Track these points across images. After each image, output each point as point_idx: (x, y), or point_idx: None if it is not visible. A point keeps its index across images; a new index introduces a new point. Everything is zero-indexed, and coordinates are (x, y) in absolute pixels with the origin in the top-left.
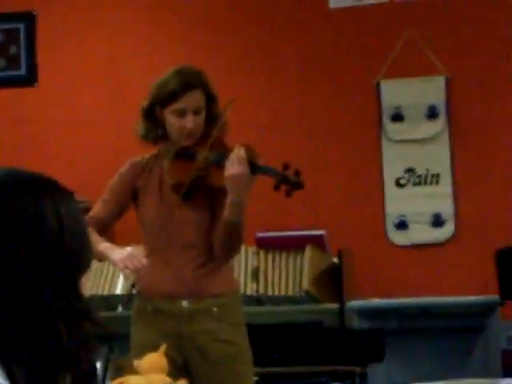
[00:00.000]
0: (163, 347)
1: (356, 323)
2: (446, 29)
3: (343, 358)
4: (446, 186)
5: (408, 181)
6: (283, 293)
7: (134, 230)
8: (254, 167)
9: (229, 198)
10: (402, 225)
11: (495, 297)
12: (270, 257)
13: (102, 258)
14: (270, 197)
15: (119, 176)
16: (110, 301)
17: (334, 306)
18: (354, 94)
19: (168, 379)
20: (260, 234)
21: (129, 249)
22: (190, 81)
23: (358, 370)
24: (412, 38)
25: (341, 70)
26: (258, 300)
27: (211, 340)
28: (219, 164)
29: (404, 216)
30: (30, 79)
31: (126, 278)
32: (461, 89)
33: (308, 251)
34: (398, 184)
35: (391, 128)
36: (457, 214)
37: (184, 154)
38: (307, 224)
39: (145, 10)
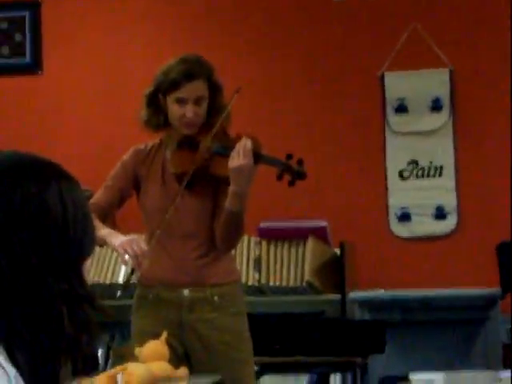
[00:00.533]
0: (164, 335)
1: (357, 314)
2: (450, 21)
3: (344, 349)
4: (449, 179)
5: (411, 173)
6: (285, 283)
7: (135, 217)
8: (257, 157)
9: (231, 189)
10: (404, 217)
11: (496, 290)
12: (272, 247)
13: (103, 243)
14: (273, 187)
15: (122, 163)
16: (111, 289)
17: (336, 296)
18: (358, 86)
19: (168, 367)
20: (262, 224)
21: (130, 235)
22: (192, 70)
23: (358, 360)
24: (416, 30)
25: (345, 62)
26: (259, 290)
27: (212, 329)
28: (223, 154)
29: (407, 208)
30: (34, 67)
31: (125, 263)
32: (465, 81)
33: (310, 242)
34: (401, 176)
35: (395, 120)
36: (459, 206)
37: (187, 143)
38: (310, 215)
39: None
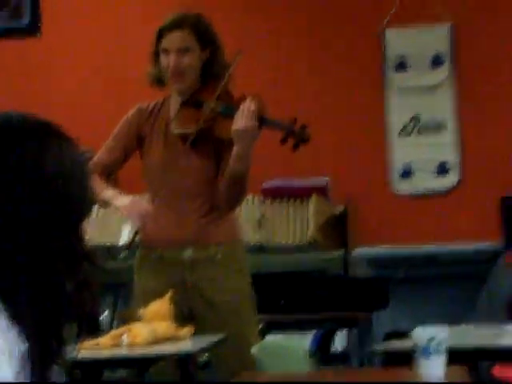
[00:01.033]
0: (168, 295)
1: (361, 271)
2: None
3: (348, 305)
4: (450, 135)
5: (413, 129)
6: (288, 241)
7: (138, 178)
8: (262, 120)
9: (235, 150)
10: (406, 173)
11: (500, 243)
12: (275, 206)
13: (107, 204)
14: (275, 146)
15: (125, 121)
16: (114, 250)
17: (339, 253)
18: (358, 43)
19: (172, 326)
20: (265, 184)
21: (134, 196)
22: (176, 20)
23: (362, 316)
24: None
25: (345, 20)
26: (263, 248)
27: (215, 287)
28: (227, 115)
29: (409, 164)
30: (33, 30)
31: (131, 223)
32: (465, 36)
33: (313, 200)
34: (403, 132)
35: (396, 77)
36: (462, 162)
37: (191, 103)
38: (312, 173)
39: None
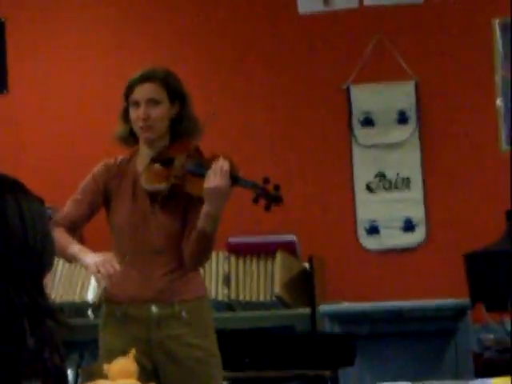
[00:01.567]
0: (132, 352)
1: (328, 327)
2: (415, 34)
3: (314, 363)
4: (416, 191)
5: (378, 185)
6: (255, 298)
7: (102, 235)
8: (234, 180)
9: (205, 209)
10: (373, 230)
11: (465, 300)
12: (241, 262)
13: (74, 259)
14: (241, 202)
15: (92, 177)
16: (81, 308)
17: (306, 310)
18: (323, 99)
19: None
20: (231, 240)
21: (102, 254)
22: (146, 73)
23: (328, 374)
24: (381, 42)
25: (310, 76)
26: (229, 305)
27: (180, 344)
28: (198, 173)
29: (375, 221)
30: None
31: (98, 282)
32: (430, 93)
33: (279, 256)
34: (369, 189)
35: (361, 133)
36: (428, 218)
37: (160, 159)
38: (278, 229)
39: (113, 12)
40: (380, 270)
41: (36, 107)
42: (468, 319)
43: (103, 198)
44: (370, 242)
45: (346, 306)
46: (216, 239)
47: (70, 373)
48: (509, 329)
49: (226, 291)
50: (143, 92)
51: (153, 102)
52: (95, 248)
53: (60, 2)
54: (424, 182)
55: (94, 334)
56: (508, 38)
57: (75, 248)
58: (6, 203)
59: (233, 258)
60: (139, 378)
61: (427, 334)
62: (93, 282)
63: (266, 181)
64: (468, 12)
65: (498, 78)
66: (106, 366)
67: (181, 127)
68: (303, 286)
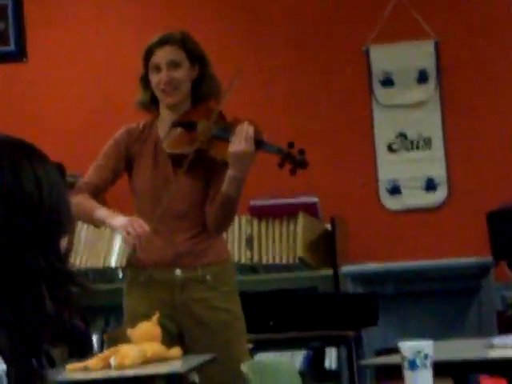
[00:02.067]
0: (156, 316)
1: (350, 288)
2: None
3: (337, 323)
4: (438, 150)
5: (400, 146)
6: (277, 260)
7: (125, 199)
8: (259, 144)
9: (230, 173)
10: (395, 190)
11: (488, 258)
12: (263, 225)
13: (102, 223)
14: (262, 164)
15: (114, 142)
16: (105, 273)
17: (328, 271)
18: (343, 60)
19: (161, 347)
20: (253, 203)
21: (130, 217)
22: (164, 37)
23: (351, 334)
24: (401, 2)
25: (330, 38)
26: (252, 268)
27: (205, 308)
28: (222, 138)
29: (397, 181)
30: (19, 55)
31: (127, 244)
32: (451, 53)
33: (301, 218)
34: (390, 149)
35: (382, 93)
36: (449, 177)
37: (183, 124)
38: (300, 191)
39: None
40: (402, 230)
41: (55, 75)
42: (491, 277)
43: (125, 162)
44: (391, 202)
45: (368, 266)
46: (240, 203)
47: (95, 338)
48: None
49: (248, 254)
50: (163, 55)
51: (173, 64)
52: (118, 212)
53: None
54: (445, 141)
55: (119, 300)
56: None
57: (102, 212)
58: (22, 168)
59: (255, 221)
60: (163, 342)
61: (450, 292)
62: (117, 247)
63: (291, 145)
64: None
65: None
66: (129, 331)
67: (203, 89)
68: (325, 248)
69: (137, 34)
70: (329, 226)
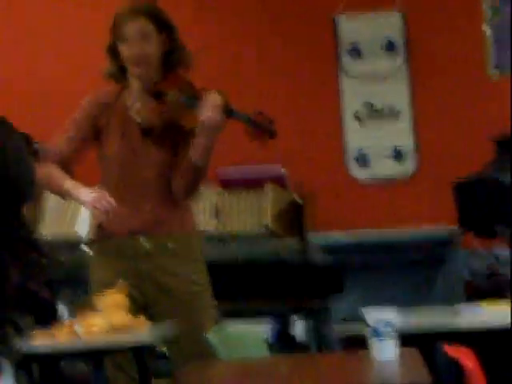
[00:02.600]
0: (121, 284)
1: (318, 258)
2: None
3: (304, 292)
4: (405, 121)
5: (367, 116)
6: (246, 230)
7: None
8: (229, 113)
9: (198, 141)
10: (362, 159)
11: (455, 228)
12: (231, 195)
13: (68, 195)
14: (231, 134)
15: (83, 112)
16: (73, 243)
17: (296, 241)
18: (311, 29)
19: (128, 316)
20: (221, 172)
21: (96, 190)
22: (133, 8)
23: (318, 302)
24: None
25: (298, 6)
26: (219, 238)
27: (171, 276)
28: (191, 106)
29: (364, 150)
30: None
31: (94, 218)
32: (418, 23)
33: (269, 189)
34: (358, 118)
35: (349, 64)
36: (417, 148)
37: (152, 93)
38: (268, 161)
39: None
40: (370, 200)
41: (18, 43)
42: (458, 247)
43: (93, 132)
44: (359, 172)
45: (336, 236)
46: (207, 172)
47: (62, 308)
48: (497, 254)
49: (216, 224)
50: (133, 28)
51: (143, 36)
52: (85, 183)
53: None
54: (412, 112)
55: (86, 269)
56: None
57: (69, 184)
58: None
59: (222, 191)
60: (130, 311)
61: (418, 262)
62: (83, 216)
63: (260, 114)
64: None
65: (485, 5)
66: (96, 299)
67: (172, 59)
68: (293, 218)
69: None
70: (296, 196)
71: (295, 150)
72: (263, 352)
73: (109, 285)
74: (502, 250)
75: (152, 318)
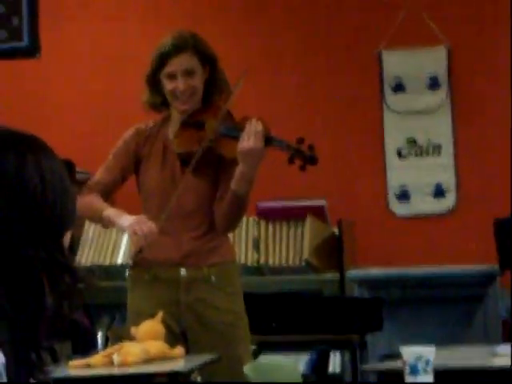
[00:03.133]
0: (160, 314)
1: (356, 293)
2: None
3: (342, 327)
4: (447, 157)
5: (409, 152)
6: (284, 262)
7: (133, 200)
8: (269, 140)
9: (240, 171)
10: (403, 195)
11: (494, 266)
12: (270, 227)
13: (109, 223)
14: (271, 166)
15: (123, 143)
16: (111, 271)
17: (335, 275)
18: (355, 65)
19: (164, 346)
20: (261, 204)
21: (137, 216)
22: (178, 43)
23: (356, 338)
24: (413, 7)
25: (342, 42)
26: (258, 270)
27: (209, 308)
28: (231, 136)
29: (406, 186)
30: (32, 50)
31: (134, 244)
32: (462, 59)
33: (308, 221)
34: (400, 155)
35: (393, 98)
36: (458, 184)
37: (192, 123)
38: (308, 194)
39: None
40: (410, 236)
41: (68, 71)
42: (497, 285)
43: (134, 162)
44: (400, 208)
45: (374, 271)
46: (248, 202)
47: (100, 335)
48: None
49: (255, 256)
50: (178, 63)
51: (189, 72)
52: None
53: None
54: (455, 148)
55: (124, 297)
56: None
57: (110, 211)
58: (26, 162)
59: (262, 223)
60: (167, 341)
61: (456, 299)
62: (124, 244)
63: (300, 141)
64: None
65: None
66: (133, 329)
67: (212, 89)
68: (332, 251)
69: (152, 32)
70: (336, 230)
71: (336, 183)
72: None
73: (146, 314)
74: None
75: (189, 348)
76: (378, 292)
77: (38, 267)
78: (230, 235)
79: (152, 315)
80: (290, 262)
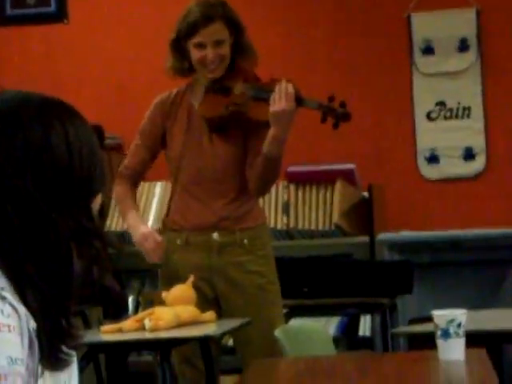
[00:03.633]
0: (191, 279)
1: (386, 256)
2: None
3: (372, 290)
4: (477, 120)
5: (439, 114)
6: (313, 226)
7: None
8: (299, 101)
9: (272, 133)
10: (433, 159)
11: None
12: (300, 191)
13: (127, 228)
14: (300, 130)
15: (148, 120)
16: None
17: (365, 239)
18: (384, 27)
19: (195, 310)
20: (290, 168)
21: (147, 228)
22: (208, 13)
23: (386, 301)
24: None
25: (371, 4)
26: (288, 234)
27: (241, 271)
28: (261, 98)
29: (435, 150)
30: (59, 16)
31: (147, 257)
32: (492, 21)
33: (338, 185)
34: (429, 117)
35: (422, 61)
36: (488, 147)
37: (218, 89)
38: (337, 158)
39: None
40: (439, 199)
41: (95, 37)
42: None
43: (162, 135)
44: (429, 171)
45: (404, 234)
46: (281, 164)
47: (130, 300)
48: None
49: (285, 220)
50: (209, 34)
51: (219, 42)
52: (156, 178)
53: None
54: (485, 111)
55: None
56: None
57: (130, 219)
58: (52, 127)
59: (292, 187)
60: (199, 305)
61: (486, 262)
62: (154, 210)
63: (331, 99)
64: None
65: None
66: (164, 293)
67: (239, 54)
68: (362, 215)
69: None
70: (366, 194)
71: (365, 147)
72: (329, 349)
73: (178, 278)
74: None
75: (221, 312)
76: (407, 255)
77: (66, 234)
78: (260, 200)
79: (184, 279)
80: (320, 226)
